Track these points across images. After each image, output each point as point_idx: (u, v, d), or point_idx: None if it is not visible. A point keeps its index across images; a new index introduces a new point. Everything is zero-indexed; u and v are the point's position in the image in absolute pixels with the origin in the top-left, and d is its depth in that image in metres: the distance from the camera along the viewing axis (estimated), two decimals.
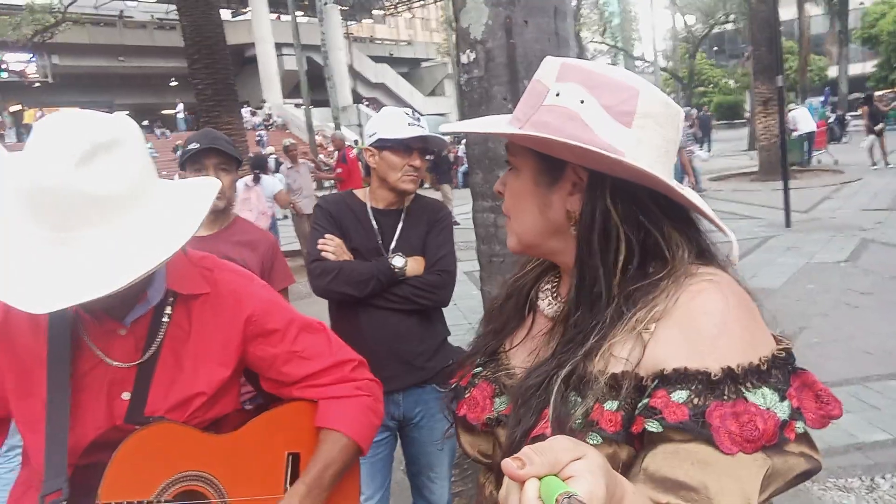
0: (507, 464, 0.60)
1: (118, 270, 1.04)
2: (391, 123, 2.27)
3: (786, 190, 10.13)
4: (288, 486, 1.34)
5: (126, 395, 1.24)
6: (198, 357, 1.30)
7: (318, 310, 2.27)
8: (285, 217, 13.58)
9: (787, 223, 10.02)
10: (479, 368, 1.09)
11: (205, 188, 1.23)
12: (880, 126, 15.74)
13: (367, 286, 2.20)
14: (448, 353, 2.41)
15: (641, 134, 0.91)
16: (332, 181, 11.40)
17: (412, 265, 2.25)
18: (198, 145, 2.33)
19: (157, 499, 1.17)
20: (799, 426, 0.80)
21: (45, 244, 1.04)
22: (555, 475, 0.59)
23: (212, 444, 1.27)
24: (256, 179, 9.12)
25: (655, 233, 0.92)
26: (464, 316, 5.13)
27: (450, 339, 2.49)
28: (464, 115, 3.61)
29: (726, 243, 0.98)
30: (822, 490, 3.27)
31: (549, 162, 0.94)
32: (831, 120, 23.48)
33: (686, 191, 0.92)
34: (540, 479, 0.59)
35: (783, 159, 10.77)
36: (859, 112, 19.52)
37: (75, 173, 1.02)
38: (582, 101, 0.91)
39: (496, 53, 3.23)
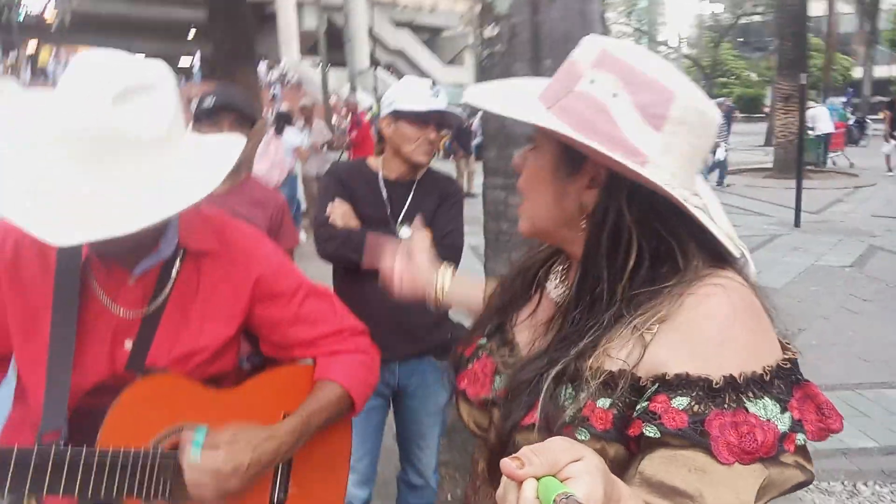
0: (506, 463, 0.61)
1: (144, 210, 1.05)
2: (410, 94, 2.25)
3: (798, 189, 10.06)
4: None
5: (129, 344, 1.25)
6: (204, 313, 1.31)
7: (323, 273, 2.28)
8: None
9: (797, 223, 9.97)
10: (484, 340, 1.09)
11: (231, 144, 1.24)
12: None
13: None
14: (448, 327, 2.42)
15: (671, 140, 0.87)
16: (343, 148, 11.31)
17: None
18: (214, 100, 2.32)
19: (153, 448, 1.19)
20: (799, 438, 0.80)
21: (74, 178, 1.04)
22: (553, 476, 0.60)
23: (211, 397, 1.28)
24: (280, 131, 9.26)
25: (671, 241, 0.89)
26: None
27: (450, 312, 2.50)
28: None
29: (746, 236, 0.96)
30: (804, 492, 3.31)
31: (571, 153, 0.91)
32: (851, 122, 23.22)
33: (699, 212, 0.88)
34: (538, 479, 0.59)
35: (799, 158, 10.67)
36: (881, 116, 19.26)
37: (112, 111, 1.03)
38: (615, 95, 0.87)
39: (520, 29, 3.19)
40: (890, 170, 15.56)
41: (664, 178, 0.86)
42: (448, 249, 2.28)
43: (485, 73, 3.45)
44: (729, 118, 20.60)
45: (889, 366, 4.81)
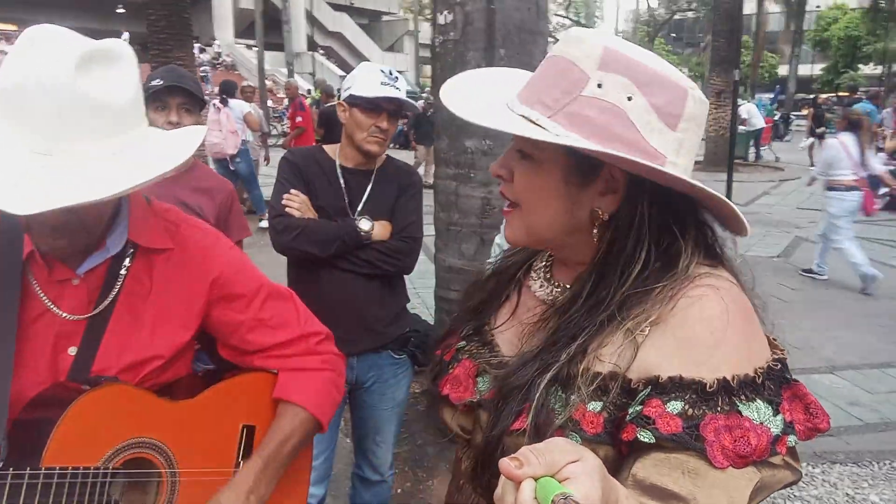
0: (505, 463, 0.60)
1: (101, 182, 0.97)
2: (365, 80, 2.18)
3: (729, 183, 10.41)
4: (240, 459, 1.29)
5: (72, 350, 1.15)
6: (157, 317, 1.22)
7: (276, 262, 2.21)
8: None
9: None
10: (463, 343, 1.07)
11: (193, 131, 1.19)
12: (822, 129, 16.32)
13: (331, 246, 2.15)
14: (406, 320, 2.39)
15: (683, 137, 0.86)
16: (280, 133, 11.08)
17: (379, 229, 2.21)
18: (161, 82, 2.20)
19: (104, 465, 1.10)
20: (791, 440, 0.80)
21: (26, 151, 0.96)
22: (551, 476, 0.59)
23: (166, 410, 1.20)
24: (224, 102, 9.15)
25: (681, 241, 0.88)
26: (410, 282, 5.23)
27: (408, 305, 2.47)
28: (434, 79, 3.54)
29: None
30: None
31: (584, 161, 0.87)
32: (777, 118, 24.21)
33: (727, 201, 0.88)
34: (536, 479, 0.59)
35: (730, 152, 11.04)
36: (804, 112, 20.17)
37: (75, 75, 0.96)
38: (629, 98, 0.84)
39: (475, 17, 3.17)
40: (813, 164, 16.29)
41: (685, 176, 0.85)
42: (408, 242, 2.24)
43: (437, 59, 3.41)
44: None
45: (817, 352, 5.04)
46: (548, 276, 1.03)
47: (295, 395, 1.31)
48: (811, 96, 20.07)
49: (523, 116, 0.88)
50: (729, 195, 10.37)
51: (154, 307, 1.22)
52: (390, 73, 2.21)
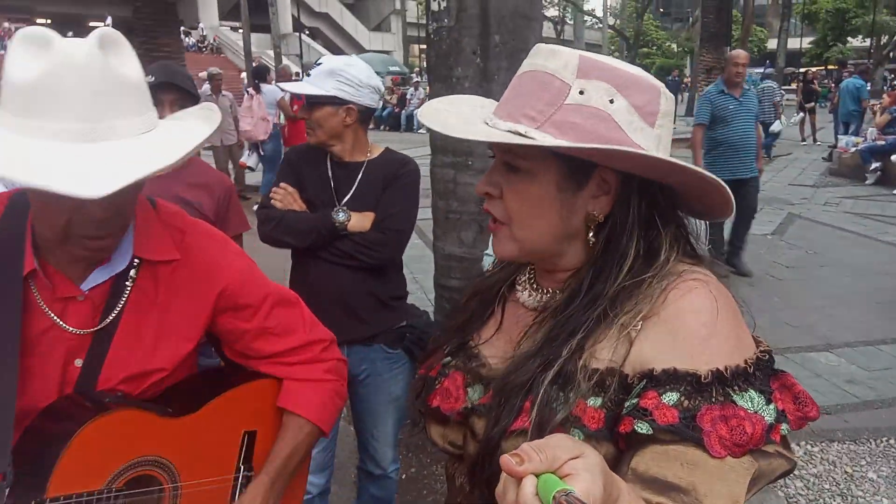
0: (506, 460, 0.61)
1: (156, 154, 0.98)
2: None
3: None
4: (240, 464, 1.29)
5: (79, 363, 1.15)
6: (161, 330, 1.21)
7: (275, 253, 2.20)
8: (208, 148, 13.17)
9: None
10: (448, 359, 1.07)
11: (207, 108, 1.20)
12: (811, 104, 16.33)
13: (307, 238, 2.19)
14: (402, 313, 2.39)
15: (661, 132, 0.90)
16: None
17: (356, 220, 2.21)
18: (153, 78, 2.17)
19: (107, 487, 1.09)
20: (783, 428, 0.82)
21: (69, 138, 0.95)
22: (552, 472, 0.60)
23: (169, 428, 1.19)
24: (257, 88, 9.21)
25: (663, 234, 0.91)
26: (408, 269, 5.21)
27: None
28: (430, 67, 3.51)
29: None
30: None
31: (576, 167, 0.90)
32: None
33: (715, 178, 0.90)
34: (537, 476, 0.59)
35: None
36: (793, 86, 20.14)
37: (101, 54, 0.97)
38: (611, 101, 0.87)
39: (469, 3, 3.13)
40: (803, 139, 16.33)
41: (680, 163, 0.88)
42: (386, 233, 2.23)
43: (432, 47, 3.37)
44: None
45: (813, 330, 5.08)
46: (534, 284, 1.04)
47: (300, 408, 1.32)
48: (801, 70, 20.02)
49: (510, 132, 0.89)
50: None
51: (158, 320, 1.21)
52: (317, 62, 2.27)
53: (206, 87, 9.40)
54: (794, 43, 39.76)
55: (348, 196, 2.25)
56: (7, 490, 1.01)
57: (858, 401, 4.03)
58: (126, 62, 1.01)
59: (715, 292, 0.86)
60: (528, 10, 3.24)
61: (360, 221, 2.21)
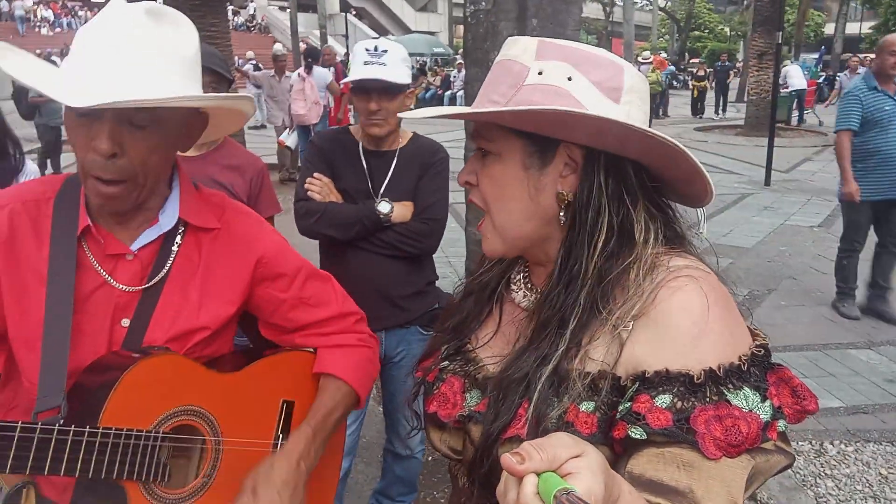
0: (507, 458, 0.61)
1: (170, 90, 1.10)
2: (354, 61, 2.16)
3: (770, 149, 10.14)
4: (279, 433, 1.34)
5: (126, 322, 1.21)
6: (205, 291, 1.28)
7: (306, 242, 2.23)
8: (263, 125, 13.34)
9: (767, 182, 10.09)
10: (446, 363, 1.07)
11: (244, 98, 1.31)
12: None
13: (351, 230, 2.17)
14: (435, 296, 2.40)
15: (629, 109, 0.90)
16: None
17: (399, 211, 2.21)
18: None
19: (155, 430, 1.15)
20: (780, 425, 0.81)
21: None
22: (554, 471, 0.60)
23: (212, 381, 1.25)
24: (309, 69, 9.32)
25: (632, 212, 0.91)
26: (442, 251, 5.21)
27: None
28: (466, 50, 3.49)
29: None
30: None
31: (540, 142, 0.91)
32: (821, 79, 23.38)
33: (688, 151, 0.90)
34: (539, 474, 0.59)
35: (772, 116, 10.73)
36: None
37: (147, 19, 1.10)
38: (570, 79, 0.89)
39: None
40: None
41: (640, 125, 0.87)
42: (428, 224, 2.24)
43: (469, 31, 3.35)
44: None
45: (854, 326, 4.95)
46: (528, 285, 1.04)
47: (337, 370, 1.38)
48: (860, 56, 19.29)
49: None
50: (770, 161, 10.13)
51: (202, 282, 1.28)
52: (375, 49, 2.14)
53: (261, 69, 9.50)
54: (853, 28, 38.29)
55: (384, 185, 2.24)
56: (62, 421, 1.08)
57: None
58: (173, 32, 1.13)
59: (706, 289, 0.85)
60: None
61: (402, 211, 2.22)
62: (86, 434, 1.07)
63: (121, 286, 1.21)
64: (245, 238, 1.33)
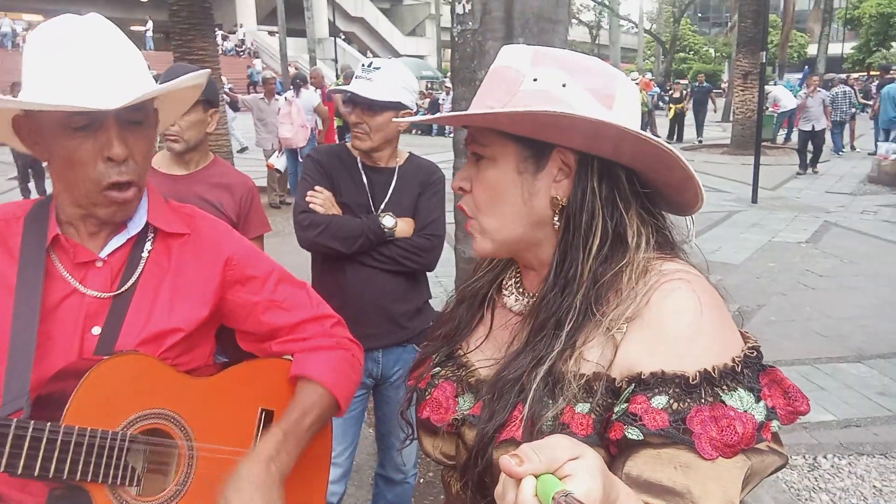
0: (506, 460, 0.60)
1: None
2: (354, 73, 2.19)
3: (756, 166, 10.26)
4: (258, 441, 1.30)
5: (97, 330, 1.20)
6: (176, 293, 1.27)
7: (300, 260, 2.22)
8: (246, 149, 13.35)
9: (754, 199, 10.18)
10: (438, 369, 1.07)
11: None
12: (853, 111, 15.95)
13: (355, 243, 2.16)
14: (429, 314, 2.40)
15: (621, 115, 0.91)
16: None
17: (402, 226, 2.22)
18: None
19: (123, 431, 1.13)
20: (774, 425, 0.82)
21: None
22: (552, 473, 0.59)
23: (185, 384, 1.23)
24: (297, 93, 9.39)
25: (625, 217, 0.92)
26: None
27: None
28: (454, 70, 3.52)
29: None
30: None
31: (534, 147, 0.92)
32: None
33: (679, 154, 0.91)
34: (537, 476, 0.59)
35: (758, 135, 10.87)
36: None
37: (105, 27, 1.17)
38: (564, 85, 0.90)
39: (493, 6, 3.13)
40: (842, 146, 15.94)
41: (634, 128, 0.88)
42: (430, 239, 2.24)
43: (456, 50, 3.38)
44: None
45: (845, 341, 4.96)
46: (520, 289, 1.04)
47: (312, 372, 1.34)
48: (842, 76, 19.57)
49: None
50: (756, 179, 10.23)
51: (173, 285, 1.28)
52: (369, 66, 2.18)
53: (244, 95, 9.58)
54: (835, 48, 38.92)
55: (385, 201, 2.25)
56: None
57: (890, 414, 3.91)
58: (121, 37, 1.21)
59: (698, 291, 0.86)
60: (552, 13, 3.24)
61: (404, 227, 2.23)
62: (46, 431, 1.04)
63: (91, 293, 1.21)
64: (213, 240, 1.35)
